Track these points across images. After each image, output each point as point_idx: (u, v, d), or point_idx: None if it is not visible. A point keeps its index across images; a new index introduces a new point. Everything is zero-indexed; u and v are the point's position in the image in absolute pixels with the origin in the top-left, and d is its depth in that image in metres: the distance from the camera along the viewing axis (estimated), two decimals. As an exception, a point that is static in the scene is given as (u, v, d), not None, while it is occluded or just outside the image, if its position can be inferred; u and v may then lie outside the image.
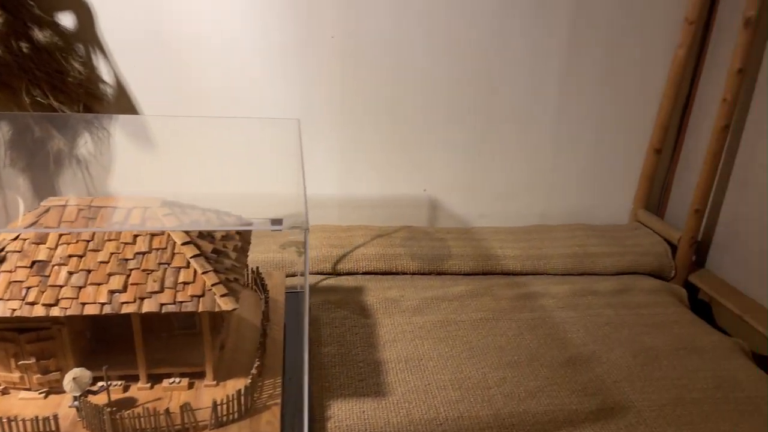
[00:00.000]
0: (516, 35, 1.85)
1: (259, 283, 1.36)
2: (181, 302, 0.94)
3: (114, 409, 0.92)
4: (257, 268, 1.38)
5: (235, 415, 0.98)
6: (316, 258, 1.72)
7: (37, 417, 0.91)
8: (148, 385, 1.04)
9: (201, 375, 1.07)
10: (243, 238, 1.16)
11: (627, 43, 1.92)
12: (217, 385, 1.06)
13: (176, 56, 1.71)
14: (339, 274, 1.73)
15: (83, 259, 0.97)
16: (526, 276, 1.82)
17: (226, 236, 1.11)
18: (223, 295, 0.95)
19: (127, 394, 1.02)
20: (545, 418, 1.17)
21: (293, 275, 1.67)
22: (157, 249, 0.99)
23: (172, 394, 1.03)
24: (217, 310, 0.94)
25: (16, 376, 0.99)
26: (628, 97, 1.99)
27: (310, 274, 1.71)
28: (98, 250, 0.98)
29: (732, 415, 1.21)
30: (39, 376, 1.00)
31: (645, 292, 1.75)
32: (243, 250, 1.14)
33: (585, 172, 2.09)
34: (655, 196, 2.16)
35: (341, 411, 1.14)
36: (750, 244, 1.75)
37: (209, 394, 1.02)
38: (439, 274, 1.79)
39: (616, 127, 2.03)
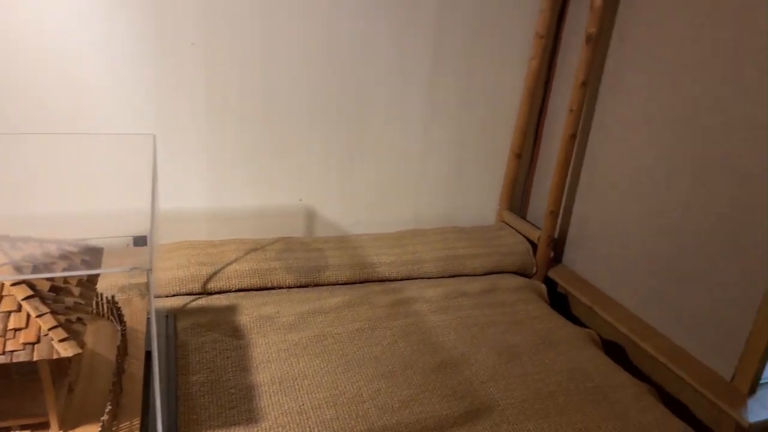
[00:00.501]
0: (384, 46, 1.88)
1: (114, 312, 1.26)
2: (12, 351, 0.84)
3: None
4: (113, 296, 1.27)
5: (85, 468, 0.90)
6: (184, 278, 1.63)
7: None
8: (-21, 444, 0.92)
9: (45, 425, 0.96)
10: (90, 267, 1.06)
11: (486, 54, 2.02)
12: (64, 435, 0.96)
13: (15, 70, 1.53)
14: (210, 294, 1.65)
15: None
16: (401, 281, 1.86)
17: (69, 267, 1.01)
18: (62, 340, 0.86)
19: (-49, 459, 0.89)
20: (417, 427, 1.20)
21: (160, 296, 1.57)
22: (-19, 292, 0.87)
23: (8, 451, 0.92)
24: (55, 356, 0.85)
25: None
26: (490, 104, 2.11)
27: (176, 295, 1.61)
28: None
29: (583, 405, 1.33)
30: None
31: (510, 290, 1.87)
32: (90, 282, 1.04)
33: (453, 176, 2.18)
34: (517, 198, 2.31)
35: (209, 445, 1.09)
36: (597, 241, 1.93)
37: (54, 448, 0.93)
38: (316, 285, 1.78)
39: (481, 133, 2.14)
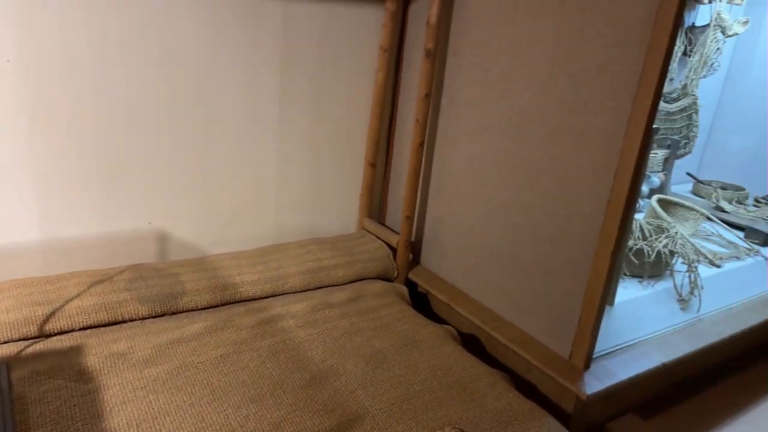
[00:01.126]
0: (230, 59, 1.84)
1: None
2: None
3: None
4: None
5: None
6: (15, 322, 1.45)
7: None
8: None
9: None
10: None
11: (335, 67, 2.07)
12: None
13: None
14: (49, 336, 1.49)
15: None
16: (266, 299, 1.83)
17: None
18: None
19: None
20: (289, 448, 1.20)
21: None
22: None
23: None
24: None
25: None
26: (343, 116, 2.16)
27: (7, 342, 1.43)
28: None
29: (446, 400, 1.41)
30: None
31: (374, 295, 1.93)
32: None
33: (312, 188, 2.19)
34: (375, 205, 2.38)
35: (59, 508, 0.99)
36: (449, 241, 2.07)
37: None
38: (174, 313, 1.68)
39: (336, 144, 2.18)
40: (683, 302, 2.04)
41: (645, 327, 1.89)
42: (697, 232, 2.62)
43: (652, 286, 2.04)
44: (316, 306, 1.80)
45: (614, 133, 1.48)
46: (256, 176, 2.04)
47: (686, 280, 2.06)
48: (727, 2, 2.86)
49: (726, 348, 2.10)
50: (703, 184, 3.31)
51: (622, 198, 1.48)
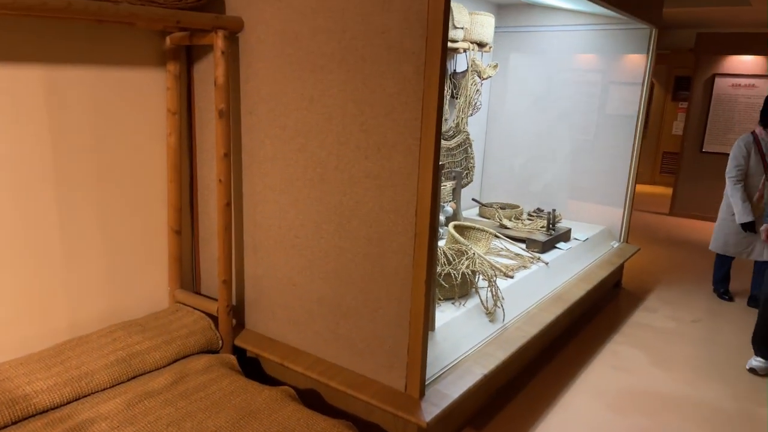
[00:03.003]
0: (-14, 138, 1.59)
1: None
2: None
3: None
4: None
5: None
6: None
7: None
8: None
9: None
10: None
11: (120, 135, 1.92)
12: None
13: None
14: None
15: None
16: (69, 405, 1.58)
17: None
18: None
19: None
20: None
21: None
22: None
23: None
24: None
25: None
26: (137, 184, 2.00)
27: None
28: None
29: (293, 465, 1.35)
30: None
31: (199, 372, 1.78)
32: None
33: (110, 266, 1.98)
34: (187, 274, 2.23)
35: None
36: (274, 298, 2.02)
37: None
38: (-58, 451, 1.36)
39: (134, 215, 2.01)
40: (490, 315, 2.26)
41: (464, 344, 2.05)
42: (489, 250, 2.95)
43: (464, 305, 2.23)
44: (132, 399, 1.61)
45: (408, 173, 1.61)
46: (36, 265, 1.78)
47: (489, 295, 2.30)
48: (478, 50, 3.35)
49: (531, 347, 2.38)
50: (486, 206, 3.76)
51: (425, 230, 1.61)
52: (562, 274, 2.92)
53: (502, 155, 4.08)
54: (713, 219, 6.17)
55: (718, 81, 5.76)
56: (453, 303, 2.25)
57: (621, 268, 3.66)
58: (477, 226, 3.04)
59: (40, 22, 1.67)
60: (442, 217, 3.17)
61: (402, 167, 1.62)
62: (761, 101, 5.52)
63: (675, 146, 7.81)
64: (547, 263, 2.84)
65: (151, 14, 1.64)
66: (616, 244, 3.65)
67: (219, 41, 1.81)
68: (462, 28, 3.06)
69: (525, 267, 2.75)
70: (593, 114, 3.71)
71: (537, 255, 2.90)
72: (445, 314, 2.15)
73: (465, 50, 3.21)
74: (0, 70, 1.60)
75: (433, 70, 1.52)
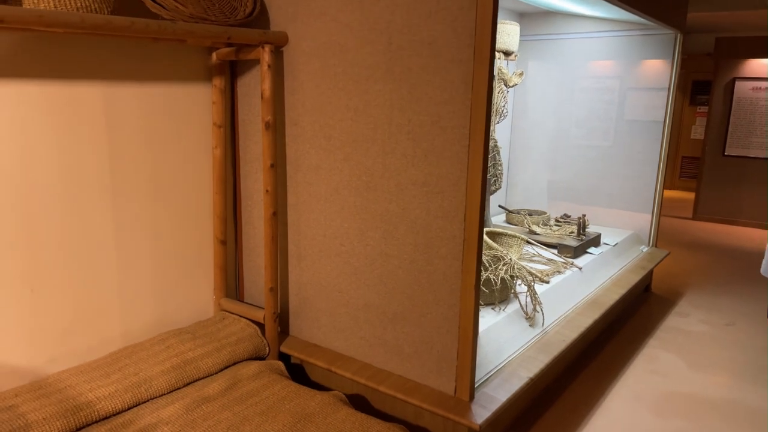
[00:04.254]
0: (49, 160, 1.65)
1: None
2: None
3: None
4: None
5: None
6: None
7: None
8: None
9: None
10: None
11: (169, 148, 1.98)
12: None
13: None
14: None
15: None
16: (130, 411, 1.62)
17: None
18: None
19: None
20: None
21: None
22: None
23: None
24: None
25: None
26: (184, 196, 2.05)
27: None
28: None
29: (357, 466, 1.38)
30: None
31: (251, 378, 1.82)
32: None
33: (160, 277, 2.03)
34: (231, 283, 2.28)
35: None
36: (319, 305, 2.06)
37: None
38: (16, 455, 1.40)
39: (182, 227, 2.06)
40: (530, 319, 2.29)
41: (507, 349, 2.07)
42: (522, 256, 2.97)
43: (503, 310, 2.26)
44: (191, 404, 1.65)
45: (456, 179, 1.65)
46: (92, 275, 1.83)
47: (528, 300, 2.32)
48: (504, 59, 3.39)
49: (571, 351, 2.39)
50: (514, 213, 3.79)
51: (474, 235, 1.65)
52: (595, 279, 2.93)
53: (527, 162, 4.10)
54: (737, 223, 6.17)
55: (738, 85, 5.76)
56: (493, 308, 2.27)
57: (651, 272, 3.65)
58: (508, 232, 3.07)
59: (99, 40, 1.74)
60: (472, 224, 3.20)
61: (450, 173, 1.66)
62: (783, 104, 5.51)
63: (694, 151, 7.78)
64: (580, 268, 2.86)
65: (204, 31, 1.70)
66: (645, 249, 3.66)
67: (266, 55, 1.87)
68: (489, 38, 3.10)
69: (559, 272, 2.77)
70: (618, 120, 3.73)
71: (570, 260, 2.92)
72: (486, 319, 2.17)
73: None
74: (67, 87, 1.67)
75: (481, 78, 1.56)
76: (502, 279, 2.28)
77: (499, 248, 2.70)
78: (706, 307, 3.52)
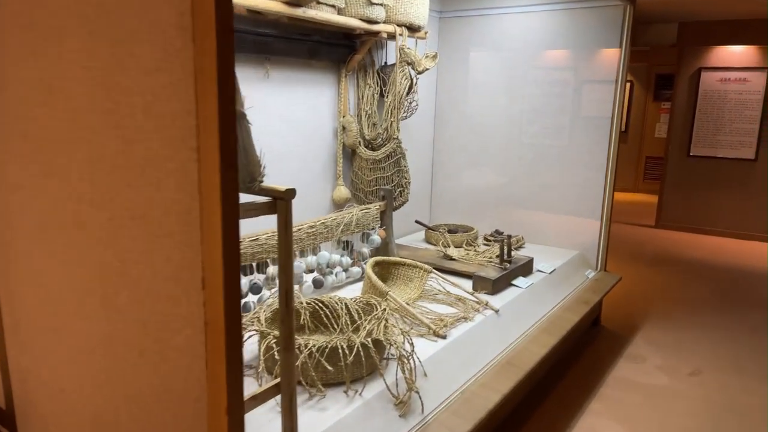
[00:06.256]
0: None
1: None
2: None
3: None
4: None
5: None
6: None
7: None
8: None
9: None
10: None
11: None
12: None
13: None
14: None
15: None
16: None
17: None
18: None
19: None
20: None
21: None
22: None
23: None
24: None
25: None
26: None
27: None
28: None
29: None
30: None
31: None
32: None
33: None
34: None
35: None
36: (42, 407, 1.28)
37: None
38: None
39: None
40: (402, 404, 1.54)
41: (350, 466, 1.32)
42: (423, 293, 2.23)
43: (360, 394, 1.51)
44: None
45: (186, 211, 0.89)
46: None
47: (402, 375, 1.58)
48: (409, 36, 2.65)
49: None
50: (433, 230, 3.05)
51: (220, 315, 0.89)
52: (518, 325, 2.20)
53: (455, 166, 3.38)
54: (705, 231, 5.51)
55: (704, 75, 5.13)
56: (345, 391, 1.52)
57: (600, 303, 2.96)
58: (409, 261, 2.33)
59: None
60: (366, 250, 2.45)
61: (176, 200, 0.90)
62: (754, 97, 4.89)
63: (658, 150, 7.18)
64: (497, 311, 2.13)
65: None
66: (591, 274, 2.96)
67: None
68: (381, 5, 2.36)
69: (466, 319, 2.03)
70: (561, 114, 3.02)
71: (484, 299, 2.18)
72: (329, 413, 1.42)
73: (390, 35, 2.52)
74: None
75: (208, 23, 0.80)
76: (360, 348, 1.52)
77: (383, 287, 1.96)
78: (667, 347, 2.83)
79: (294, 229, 2.08)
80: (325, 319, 1.79)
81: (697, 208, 5.34)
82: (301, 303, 1.79)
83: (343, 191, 2.67)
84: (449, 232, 3.11)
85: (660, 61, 6.98)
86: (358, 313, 1.78)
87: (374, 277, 2.05)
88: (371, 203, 2.59)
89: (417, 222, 3.16)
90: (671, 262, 4.44)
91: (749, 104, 4.94)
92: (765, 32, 4.77)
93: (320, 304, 1.80)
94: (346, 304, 1.80)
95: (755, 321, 3.19)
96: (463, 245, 2.93)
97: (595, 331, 3.00)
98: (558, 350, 2.29)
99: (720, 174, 5.19)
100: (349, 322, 1.77)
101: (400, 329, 1.68)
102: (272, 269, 1.97)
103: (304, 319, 1.78)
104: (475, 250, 2.82)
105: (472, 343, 1.93)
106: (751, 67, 4.93)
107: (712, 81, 5.07)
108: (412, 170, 3.29)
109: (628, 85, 7.43)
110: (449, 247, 2.84)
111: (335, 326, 1.77)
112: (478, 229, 3.14)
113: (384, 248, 2.61)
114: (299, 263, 2.10)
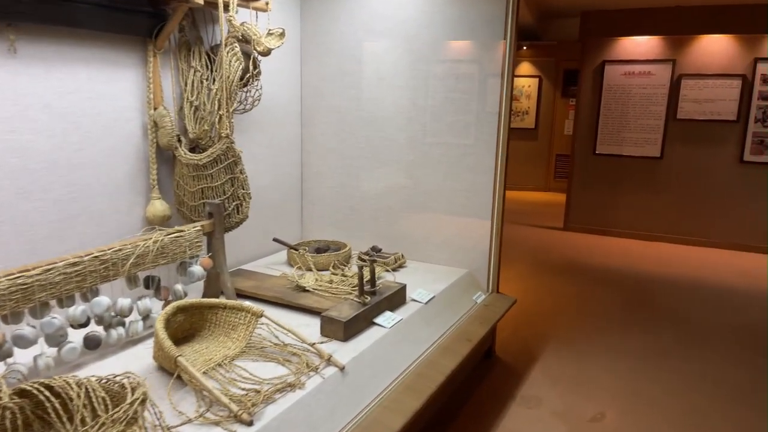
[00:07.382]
0: None
1: None
2: None
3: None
4: None
5: None
6: None
7: None
8: None
9: None
10: None
11: None
12: None
13: None
14: None
15: None
16: None
17: None
18: None
19: None
20: None
21: None
22: None
23: None
24: None
25: None
26: None
27: None
28: None
29: None
30: None
31: None
32: None
33: None
34: None
35: None
36: None
37: None
38: None
39: None
40: None
41: None
42: (250, 345, 1.65)
43: None
44: None
45: None
46: None
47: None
48: (244, 6, 2.06)
49: None
50: (294, 249, 2.48)
51: None
52: (374, 383, 1.67)
53: (327, 172, 2.82)
54: (611, 233, 5.28)
55: (608, 69, 4.87)
56: None
57: (492, 332, 2.50)
58: (229, 303, 1.75)
59: None
60: (181, 287, 1.84)
61: None
62: (659, 92, 4.67)
63: (568, 148, 6.99)
64: (342, 368, 1.59)
65: None
66: (481, 298, 2.49)
67: None
68: (187, -42, 1.75)
69: (292, 387, 1.46)
70: (445, 110, 2.53)
71: (327, 352, 1.63)
72: None
73: (211, 3, 1.92)
74: None
75: None
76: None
77: (171, 350, 1.37)
78: (568, 382, 2.41)
79: (44, 266, 1.43)
80: (53, 415, 1.17)
81: (603, 210, 5.09)
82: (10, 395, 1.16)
83: (158, 207, 2.03)
84: (317, 250, 2.55)
85: (567, 56, 6.77)
86: (105, 405, 1.18)
87: (161, 334, 1.45)
88: (199, 221, 1.98)
89: (276, 240, 2.58)
90: (577, 269, 4.11)
91: (654, 99, 4.71)
92: (670, 21, 4.55)
93: (46, 393, 1.17)
94: (87, 389, 1.19)
95: (665, 342, 2.85)
96: (330, 268, 2.38)
97: (487, 365, 2.54)
98: (426, 410, 1.78)
99: (625, 173, 4.95)
100: (89, 419, 1.16)
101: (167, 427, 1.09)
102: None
103: (14, 419, 1.15)
104: (343, 275, 2.28)
105: (298, 423, 1.37)
106: (656, 59, 4.71)
107: (616, 75, 4.81)
108: (276, 175, 2.72)
109: (536, 80, 7.18)
110: (307, 272, 2.28)
111: (66, 429, 1.16)
112: (352, 247, 2.61)
113: (212, 282, 2.01)
114: (52, 318, 1.46)
